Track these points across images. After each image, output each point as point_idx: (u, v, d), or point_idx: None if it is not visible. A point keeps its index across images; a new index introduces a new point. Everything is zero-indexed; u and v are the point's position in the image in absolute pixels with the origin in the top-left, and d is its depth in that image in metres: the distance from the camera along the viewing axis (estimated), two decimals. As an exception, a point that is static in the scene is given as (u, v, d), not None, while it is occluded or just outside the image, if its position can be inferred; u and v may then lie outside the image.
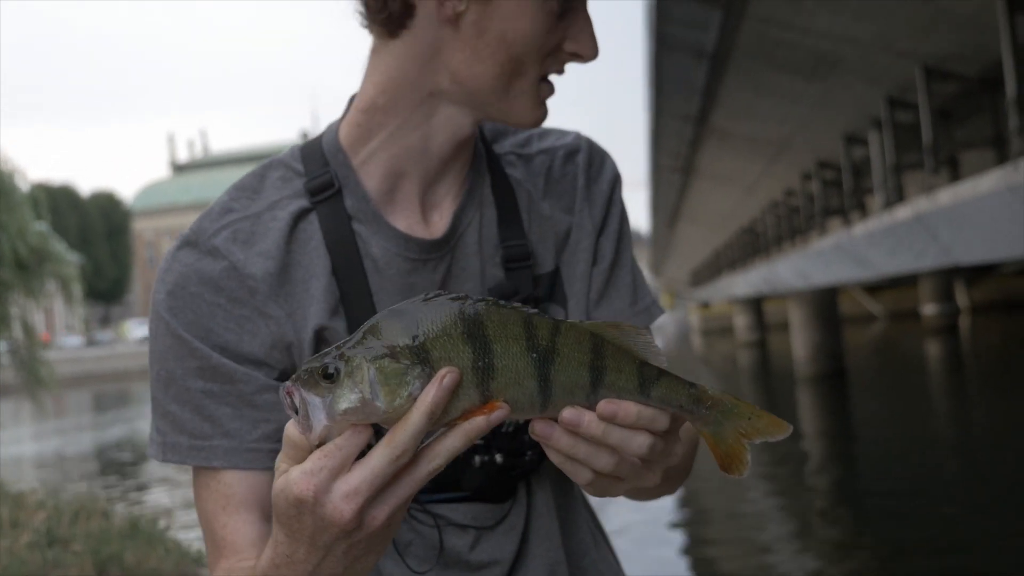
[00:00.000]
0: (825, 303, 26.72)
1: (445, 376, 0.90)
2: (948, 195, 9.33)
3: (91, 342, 74.38)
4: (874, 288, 44.75)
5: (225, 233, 1.25)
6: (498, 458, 1.27)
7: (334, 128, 1.32)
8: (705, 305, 58.01)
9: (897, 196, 11.73)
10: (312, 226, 1.26)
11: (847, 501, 12.62)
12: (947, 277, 37.36)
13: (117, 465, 22.04)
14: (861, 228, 13.26)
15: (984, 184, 8.06)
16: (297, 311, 1.24)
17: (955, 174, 10.34)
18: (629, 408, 0.95)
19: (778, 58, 11.90)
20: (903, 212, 10.70)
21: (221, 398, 1.21)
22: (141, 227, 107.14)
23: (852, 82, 12.01)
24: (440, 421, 0.92)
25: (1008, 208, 7.60)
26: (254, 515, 1.20)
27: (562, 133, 1.42)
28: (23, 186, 11.87)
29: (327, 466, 0.91)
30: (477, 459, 1.26)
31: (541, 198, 1.36)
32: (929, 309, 39.17)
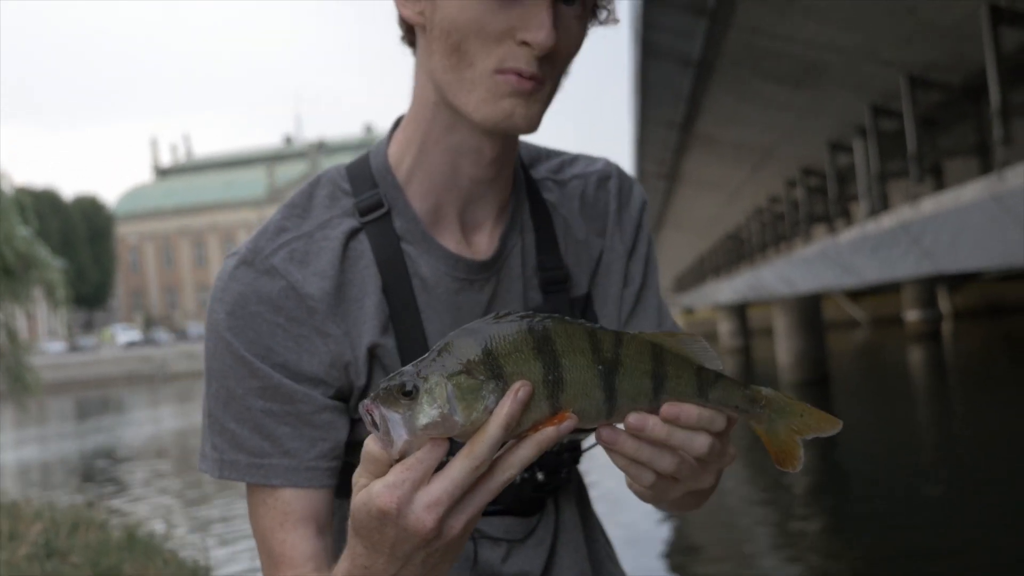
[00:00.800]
0: (809, 309, 26.78)
1: (519, 390, 0.93)
2: (932, 204, 9.39)
3: (74, 348, 73.97)
4: (857, 294, 44.86)
5: (282, 253, 1.26)
6: (539, 476, 1.30)
7: (383, 147, 1.34)
8: (689, 311, 58.09)
9: (882, 204, 11.77)
10: (363, 245, 1.28)
11: (830, 507, 12.66)
12: (930, 283, 37.50)
13: (99, 472, 21.94)
14: (846, 235, 13.29)
15: (968, 193, 8.11)
16: (353, 329, 1.26)
17: (939, 182, 10.39)
18: (691, 410, 0.99)
19: (764, 66, 11.93)
20: (888, 220, 10.74)
21: (281, 418, 1.23)
22: (124, 232, 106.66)
23: (837, 90, 12.04)
24: (513, 432, 0.95)
25: (992, 217, 7.65)
26: (311, 530, 1.22)
27: (591, 160, 1.45)
28: (8, 191, 11.82)
29: (409, 478, 0.94)
30: (518, 476, 1.29)
31: (575, 223, 1.39)
32: (912, 315, 39.29)
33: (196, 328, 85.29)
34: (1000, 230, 7.72)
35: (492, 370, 0.95)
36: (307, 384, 1.24)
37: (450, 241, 1.30)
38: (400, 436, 0.93)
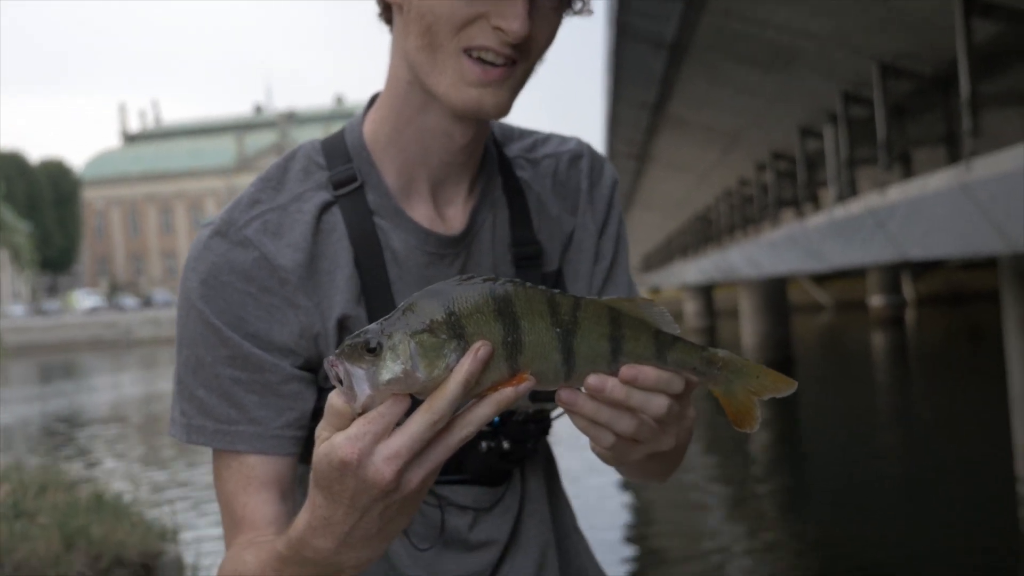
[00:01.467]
0: (775, 292, 26.96)
1: (479, 349, 0.96)
2: (900, 191, 9.45)
3: (37, 311, 73.28)
4: (822, 278, 45.05)
5: (256, 224, 1.28)
6: (505, 445, 1.32)
7: (357, 123, 1.35)
8: (656, 290, 58.27)
9: (850, 190, 11.83)
10: (335, 218, 1.30)
11: (790, 488, 12.77)
12: (894, 269, 37.69)
13: (61, 436, 21.82)
14: (814, 220, 13.36)
15: (936, 182, 8.17)
16: (324, 301, 1.28)
17: (908, 170, 10.46)
18: (649, 372, 1.01)
19: (737, 50, 11.94)
20: (855, 206, 10.81)
21: (249, 386, 1.25)
22: (91, 196, 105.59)
23: (808, 76, 12.06)
24: (473, 391, 0.97)
25: (958, 206, 7.72)
26: (273, 495, 1.24)
27: (563, 139, 1.47)
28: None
29: (371, 431, 0.95)
30: (484, 444, 1.31)
31: (548, 200, 1.41)
32: (876, 300, 39.51)
33: (162, 295, 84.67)
34: (966, 219, 7.79)
35: (454, 330, 0.97)
36: (276, 354, 1.26)
37: (422, 216, 1.32)
38: (363, 391, 0.95)
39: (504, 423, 1.31)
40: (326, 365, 0.97)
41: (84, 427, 23.81)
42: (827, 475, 13.58)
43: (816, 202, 15.36)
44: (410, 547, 1.32)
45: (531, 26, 1.17)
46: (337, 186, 1.31)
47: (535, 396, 1.15)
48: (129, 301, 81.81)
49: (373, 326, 0.97)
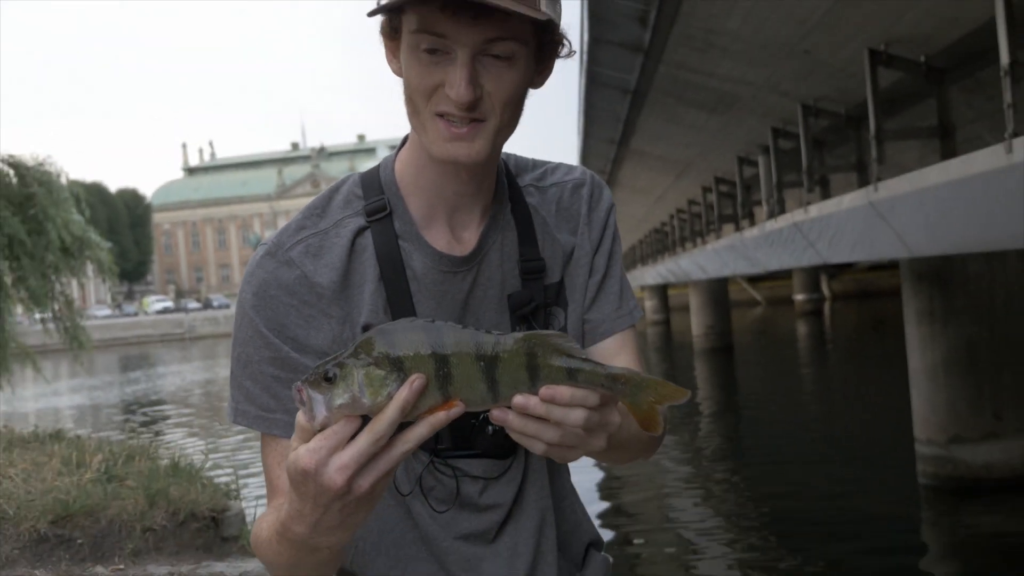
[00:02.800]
0: (718, 291, 27.05)
1: (414, 381, 0.98)
2: (819, 209, 9.48)
3: (118, 313, 73.15)
4: (756, 279, 45.14)
5: (299, 247, 1.28)
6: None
7: (391, 160, 1.35)
8: (621, 291, 58.17)
9: (780, 208, 11.84)
10: (367, 240, 1.29)
11: (731, 452, 12.81)
12: (814, 272, 37.83)
13: (140, 414, 21.77)
14: (750, 233, 13.37)
15: (849, 201, 8.19)
16: (353, 311, 1.27)
17: (826, 192, 10.46)
18: (563, 391, 1.01)
19: (687, 95, 11.96)
20: (784, 221, 10.83)
21: (286, 383, 1.24)
22: (159, 219, 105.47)
23: (745, 116, 12.08)
24: (411, 415, 0.99)
25: (868, 220, 7.75)
26: None
27: (570, 168, 1.45)
28: (64, 184, 11.67)
29: (326, 446, 0.98)
30: (491, 429, 1.30)
31: (553, 222, 1.39)
32: (800, 297, 39.70)
33: (218, 299, 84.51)
34: (874, 230, 7.82)
35: (395, 364, 0.99)
36: (312, 356, 1.25)
37: (439, 239, 1.31)
38: (320, 412, 0.98)
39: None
40: (293, 390, 1.00)
41: (156, 406, 23.75)
42: (761, 437, 13.64)
43: (752, 218, 15.37)
44: (431, 510, 1.31)
45: (479, 90, 1.16)
46: (370, 214, 1.30)
47: None
48: (192, 304, 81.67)
49: (331, 359, 0.99)
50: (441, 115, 1.18)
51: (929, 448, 9.61)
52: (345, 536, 1.07)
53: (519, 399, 1.01)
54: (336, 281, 1.27)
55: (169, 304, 79.50)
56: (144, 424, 19.31)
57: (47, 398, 24.60)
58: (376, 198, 1.31)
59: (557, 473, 1.43)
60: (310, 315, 1.26)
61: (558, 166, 1.45)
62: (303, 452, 0.99)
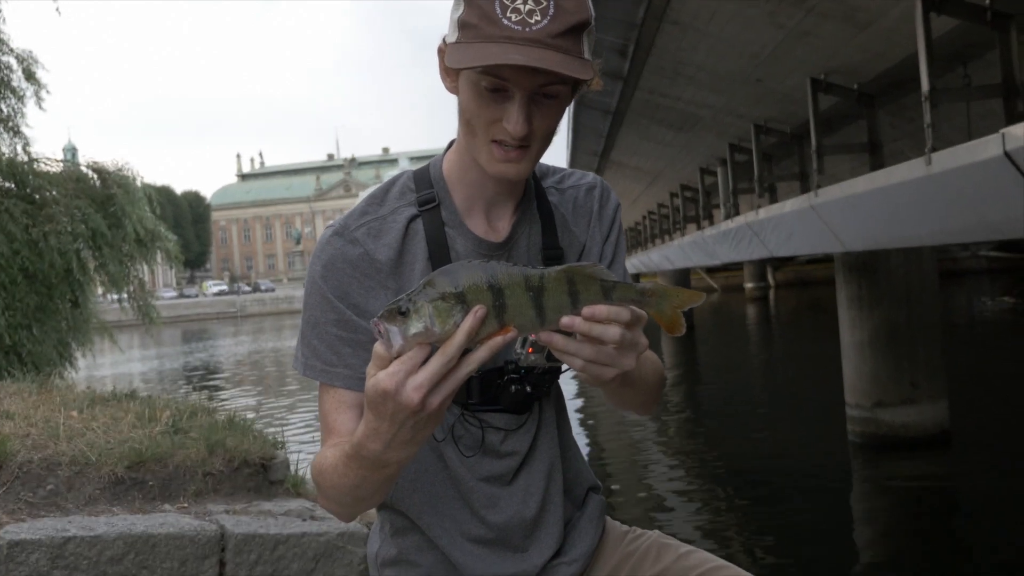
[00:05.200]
0: (681, 279, 27.05)
1: (477, 311, 0.96)
2: (768, 212, 9.46)
3: (181, 295, 73.04)
4: (713, 270, 45.11)
5: (363, 229, 1.27)
6: (528, 388, 1.30)
7: (439, 159, 1.34)
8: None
9: (735, 211, 11.83)
10: (418, 226, 1.28)
11: (693, 416, 12.80)
12: (762, 264, 37.80)
13: (200, 378, 21.79)
14: (710, 231, 13.36)
15: (794, 205, 8.17)
16: (405, 284, 1.26)
17: (774, 197, 10.44)
18: (601, 308, 1.01)
19: (658, 116, 11.92)
20: (739, 221, 10.81)
21: (347, 341, 1.24)
22: (216, 217, 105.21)
23: (706, 134, 12.06)
24: (473, 340, 0.97)
25: (809, 221, 7.74)
26: (355, 414, 1.23)
27: (584, 174, 1.44)
28: (139, 185, 11.67)
29: (403, 369, 0.97)
30: (513, 388, 1.29)
31: (570, 218, 1.38)
32: (749, 285, 39.66)
33: (265, 283, 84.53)
34: (814, 229, 7.81)
35: (459, 298, 0.97)
36: (369, 319, 1.23)
37: (478, 228, 1.30)
38: (397, 341, 0.96)
39: (528, 373, 1.29)
40: (371, 324, 0.98)
41: (214, 372, 23.76)
42: (716, 402, 13.64)
43: (711, 219, 15.36)
44: (460, 454, 1.31)
45: (531, 125, 1.15)
46: (421, 204, 1.29)
47: (550, 356, 1.13)
48: (243, 287, 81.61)
49: (403, 296, 0.97)
50: (496, 141, 1.18)
51: (857, 411, 9.64)
52: (413, 450, 1.06)
53: (566, 319, 1.00)
54: (392, 259, 1.26)
55: (224, 287, 79.46)
56: (202, 387, 19.32)
57: (121, 364, 24.60)
58: (426, 191, 1.30)
59: (563, 428, 1.42)
60: (370, 286, 1.25)
61: (573, 172, 1.45)
62: (383, 376, 0.97)
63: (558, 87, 1.15)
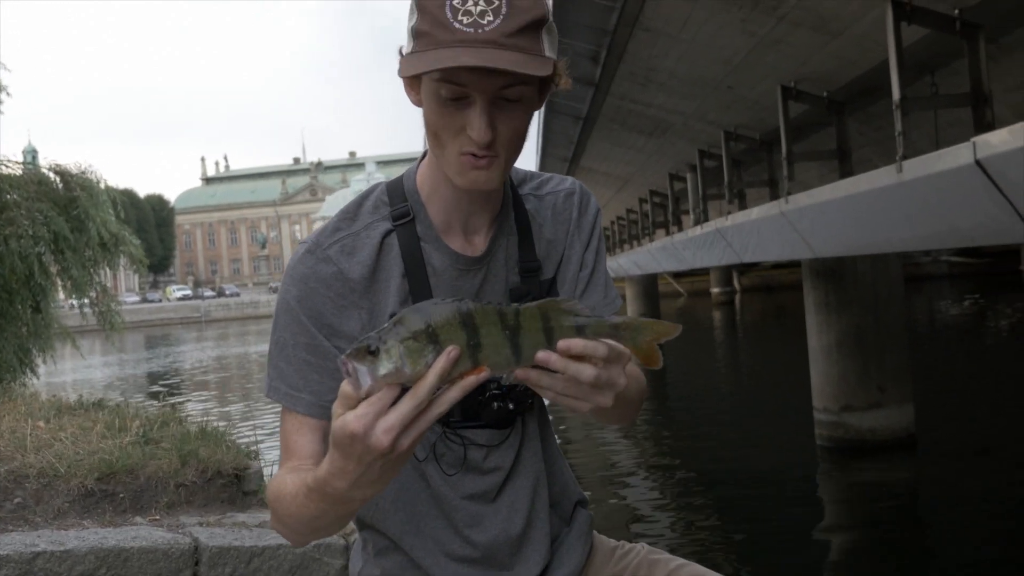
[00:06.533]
0: (649, 284, 27.21)
1: (450, 351, 0.93)
2: (738, 217, 9.54)
3: (144, 299, 72.00)
4: (680, 275, 45.39)
5: (336, 246, 1.23)
6: (510, 405, 1.28)
7: (413, 171, 1.30)
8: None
9: (704, 216, 11.90)
10: (393, 241, 1.25)
11: (661, 420, 12.85)
12: (728, 268, 38.12)
13: (163, 383, 21.46)
14: (679, 236, 13.44)
15: (765, 211, 8.23)
16: (380, 302, 1.23)
17: (743, 204, 10.52)
18: (576, 342, 0.97)
19: (629, 122, 11.96)
20: (709, 227, 10.87)
21: (315, 367, 1.20)
22: (180, 220, 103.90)
23: (677, 140, 12.12)
24: (445, 380, 0.94)
25: (780, 227, 7.80)
26: (317, 437, 1.20)
27: (562, 179, 1.40)
28: (103, 188, 11.45)
29: (371, 412, 0.93)
30: (496, 405, 1.27)
31: (549, 225, 1.35)
32: (716, 289, 40.00)
33: (230, 288, 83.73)
34: (784, 235, 7.87)
35: (431, 337, 0.94)
36: (343, 341, 1.20)
37: (455, 242, 1.26)
38: (366, 381, 0.92)
39: (511, 391, 1.26)
40: (339, 362, 0.94)
41: (177, 377, 23.43)
42: (685, 406, 13.72)
43: (680, 224, 15.45)
44: (441, 472, 1.28)
45: (495, 130, 1.11)
46: (396, 219, 1.25)
47: None
48: (207, 292, 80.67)
49: (372, 334, 0.93)
50: (465, 153, 1.14)
51: (825, 415, 9.73)
52: (379, 488, 1.02)
53: (541, 355, 0.97)
54: (366, 276, 1.23)
55: (188, 292, 78.53)
56: (165, 393, 19.03)
57: (82, 371, 24.14)
58: (400, 205, 1.26)
59: (547, 441, 1.39)
60: (343, 305, 1.22)
61: (552, 177, 1.41)
62: (351, 418, 0.94)
63: (520, 88, 1.11)
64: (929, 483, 8.60)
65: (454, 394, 0.95)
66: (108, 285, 11.82)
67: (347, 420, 0.94)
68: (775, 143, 9.24)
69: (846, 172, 7.69)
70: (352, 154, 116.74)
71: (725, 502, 8.23)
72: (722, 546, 6.99)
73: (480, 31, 1.04)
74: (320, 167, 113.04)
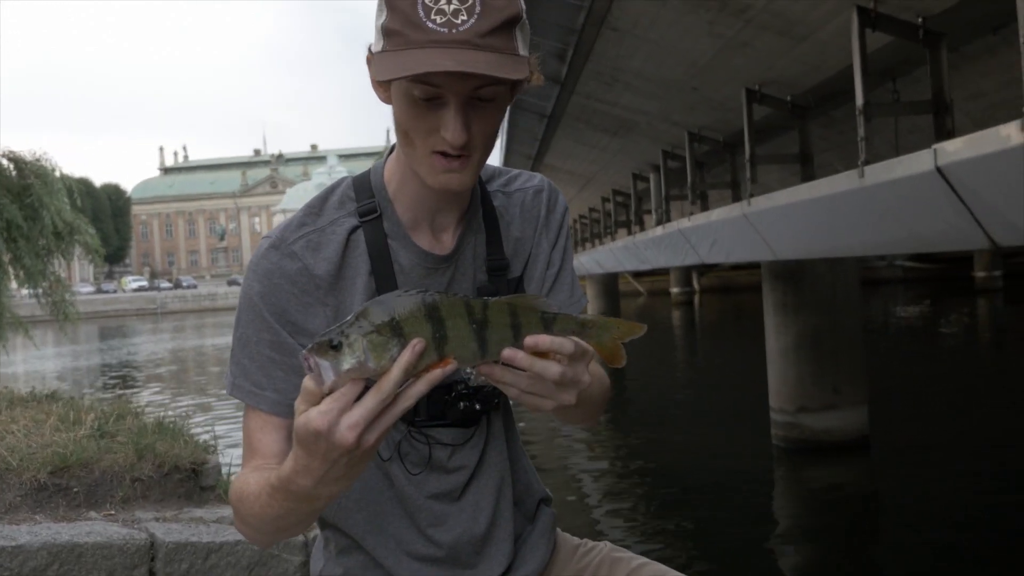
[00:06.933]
0: (609, 283, 27.34)
1: (415, 344, 0.91)
2: (700, 219, 9.61)
3: (99, 290, 70.62)
4: (640, 274, 45.67)
5: (301, 242, 1.21)
6: (477, 406, 1.26)
7: (380, 167, 1.27)
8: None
9: (667, 217, 11.98)
10: (359, 238, 1.22)
11: (619, 419, 12.90)
12: (687, 268, 38.45)
13: (117, 376, 21.09)
14: (642, 236, 13.51)
15: (728, 212, 8.29)
16: (346, 300, 1.21)
17: (705, 205, 10.59)
18: (543, 339, 0.97)
19: (594, 121, 11.98)
20: (671, 227, 10.94)
21: (279, 365, 1.18)
22: (137, 211, 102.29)
23: (641, 139, 12.17)
24: (410, 374, 0.92)
25: (742, 229, 7.86)
26: (281, 436, 1.18)
27: (530, 176, 1.39)
28: (58, 176, 11.18)
29: (335, 408, 0.91)
30: (462, 404, 1.25)
31: (517, 223, 1.33)
32: (675, 289, 40.29)
33: (187, 280, 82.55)
34: (746, 237, 7.93)
35: (395, 330, 0.91)
36: (307, 338, 1.18)
37: (423, 240, 1.24)
38: (329, 377, 0.90)
39: (477, 391, 1.25)
40: (300, 357, 0.91)
41: (133, 369, 23.04)
42: (643, 405, 13.79)
43: (642, 224, 15.53)
44: (406, 472, 1.26)
45: (469, 131, 1.09)
46: (362, 215, 1.23)
47: None
48: (164, 283, 79.42)
49: (334, 328, 0.91)
50: (437, 152, 1.12)
51: (781, 415, 9.84)
52: (345, 485, 1.00)
53: (507, 352, 0.96)
54: (332, 273, 1.20)
55: (144, 283, 77.26)
56: (119, 385, 18.68)
57: (34, 361, 23.63)
58: (367, 201, 1.24)
59: (512, 439, 1.38)
60: (308, 302, 1.19)
61: (520, 173, 1.39)
62: (314, 414, 0.91)
63: (494, 88, 1.09)
64: (881, 483, 8.75)
65: (420, 388, 0.93)
66: (63, 275, 11.57)
67: (310, 417, 0.92)
68: (738, 145, 9.32)
69: (808, 176, 7.78)
70: (314, 147, 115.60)
71: (681, 501, 8.28)
72: (678, 544, 7.04)
73: (454, 31, 1.02)
74: (281, 159, 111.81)
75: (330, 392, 0.91)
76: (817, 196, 5.97)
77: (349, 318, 0.91)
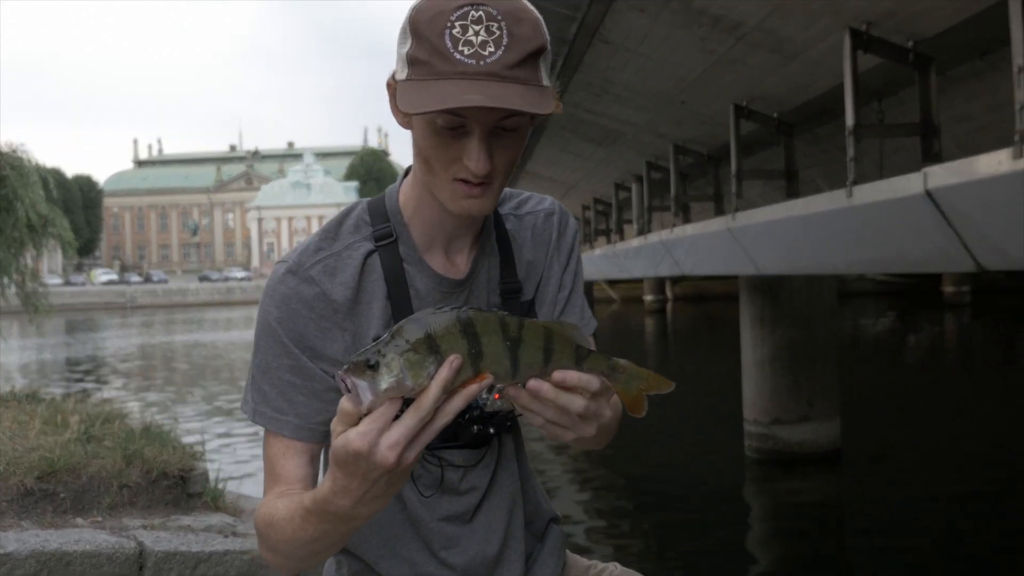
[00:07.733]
0: (586, 290, 27.33)
1: (453, 361, 0.91)
2: (683, 230, 9.65)
3: (68, 283, 69.51)
4: (613, 281, 45.81)
5: (318, 267, 1.20)
6: (491, 429, 1.27)
7: (395, 190, 1.27)
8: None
9: (648, 227, 12.00)
10: (375, 262, 1.23)
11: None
12: (661, 278, 38.62)
13: (83, 371, 20.77)
14: (622, 245, 13.53)
15: (712, 226, 8.32)
16: (363, 324, 1.21)
17: (687, 217, 10.62)
18: (572, 375, 0.97)
19: (581, 130, 11.98)
20: (653, 238, 10.97)
21: (300, 389, 1.18)
22: (109, 203, 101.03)
23: (626, 150, 12.19)
24: (448, 390, 0.92)
25: (726, 243, 7.89)
26: (304, 460, 1.18)
27: (541, 199, 1.40)
28: (34, 168, 10.98)
29: (375, 428, 0.91)
30: (475, 428, 1.26)
31: (529, 246, 1.34)
32: (648, 297, 40.51)
33: (158, 274, 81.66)
34: (729, 251, 7.95)
35: (432, 347, 0.91)
36: (326, 363, 1.18)
37: (437, 264, 1.25)
38: (366, 397, 0.89)
39: (491, 416, 1.26)
40: (336, 378, 0.91)
41: (100, 365, 22.70)
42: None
43: (622, 233, 15.56)
44: (418, 494, 1.27)
45: (493, 161, 1.09)
46: (378, 239, 1.23)
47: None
48: (134, 277, 78.43)
49: (370, 347, 0.90)
50: (458, 180, 1.12)
51: (755, 427, 9.91)
52: (383, 504, 1.00)
53: (533, 383, 0.96)
54: (349, 298, 1.20)
55: (114, 277, 76.20)
56: (85, 380, 18.38)
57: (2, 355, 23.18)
58: (383, 225, 1.24)
59: (521, 459, 1.39)
60: (326, 327, 1.19)
61: (531, 196, 1.41)
62: (353, 435, 0.91)
63: (518, 119, 1.10)
64: (852, 495, 8.86)
65: (457, 403, 0.93)
66: (33, 267, 11.35)
67: (350, 438, 0.91)
68: (723, 159, 9.36)
69: (793, 192, 7.83)
70: (290, 144, 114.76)
71: (654, 511, 8.31)
72: (649, 555, 7.07)
73: (482, 63, 1.02)
74: (257, 156, 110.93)
75: (368, 412, 0.91)
76: (804, 213, 6.00)
77: (384, 336, 0.90)
